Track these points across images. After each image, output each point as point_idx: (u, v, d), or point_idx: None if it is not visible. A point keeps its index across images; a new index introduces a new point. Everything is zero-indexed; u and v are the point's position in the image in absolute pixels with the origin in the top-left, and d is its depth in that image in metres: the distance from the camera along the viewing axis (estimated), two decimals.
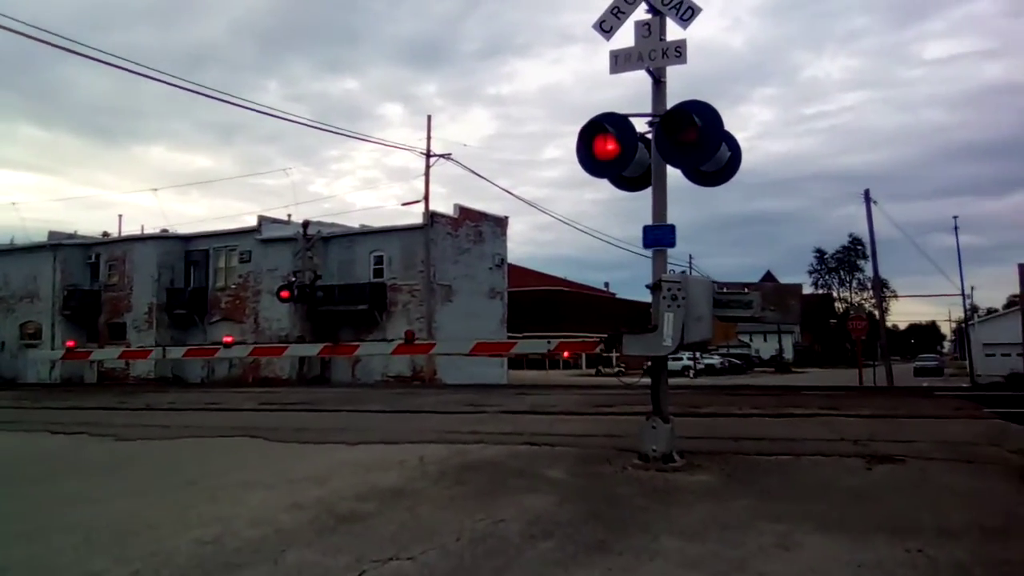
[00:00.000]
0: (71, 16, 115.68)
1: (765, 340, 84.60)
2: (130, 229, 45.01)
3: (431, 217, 34.54)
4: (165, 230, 41.28)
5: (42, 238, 43.56)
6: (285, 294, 32.28)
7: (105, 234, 43.92)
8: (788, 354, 79.71)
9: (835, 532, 4.71)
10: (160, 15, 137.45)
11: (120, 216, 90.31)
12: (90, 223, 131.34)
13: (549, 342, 7.97)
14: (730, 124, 6.80)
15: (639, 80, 7.28)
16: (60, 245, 41.66)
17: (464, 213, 36.87)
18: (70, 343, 12.99)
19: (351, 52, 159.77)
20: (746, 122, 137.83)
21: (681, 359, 47.42)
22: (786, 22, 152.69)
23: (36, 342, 40.96)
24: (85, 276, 41.32)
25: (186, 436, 10.05)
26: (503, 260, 39.13)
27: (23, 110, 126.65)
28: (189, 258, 39.73)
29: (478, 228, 37.53)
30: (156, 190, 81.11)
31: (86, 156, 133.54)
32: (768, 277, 75.17)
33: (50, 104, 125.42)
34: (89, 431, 10.60)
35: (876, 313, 48.92)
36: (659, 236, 6.95)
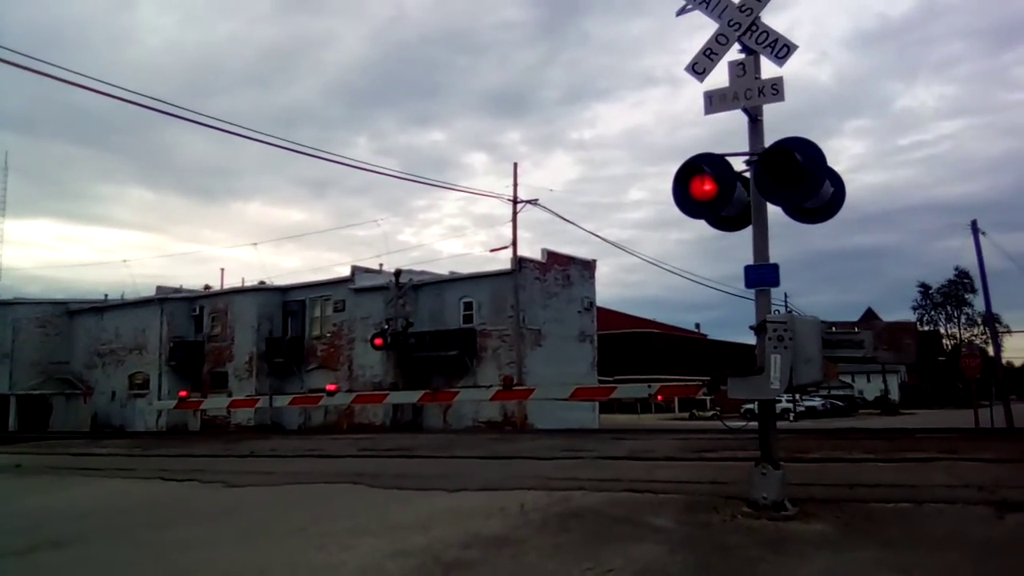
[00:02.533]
0: (177, 84, 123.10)
1: (868, 380, 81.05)
2: (231, 282, 47.08)
3: (519, 262, 34.77)
4: (263, 282, 42.89)
5: (150, 293, 45.99)
6: (379, 342, 32.95)
7: (207, 287, 45.98)
8: (894, 394, 76.06)
9: None
10: (258, 80, 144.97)
11: (222, 270, 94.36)
12: (194, 278, 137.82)
13: (650, 386, 7.80)
14: None
15: (721, 119, 7.19)
16: (167, 299, 43.84)
17: (552, 257, 36.98)
18: (182, 393, 13.52)
19: (436, 105, 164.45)
20: (838, 155, 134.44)
21: (780, 401, 45.82)
22: (875, 53, 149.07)
23: (144, 392, 42.95)
24: (189, 328, 43.23)
25: (291, 482, 10.26)
26: (592, 303, 38.95)
27: (133, 173, 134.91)
28: (286, 308, 41.09)
29: (566, 272, 37.54)
30: (255, 244, 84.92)
31: (189, 214, 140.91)
32: (869, 314, 72.22)
33: (157, 166, 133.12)
34: (199, 478, 10.94)
35: (990, 350, 46.24)
36: (762, 275, 6.77)
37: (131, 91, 16.35)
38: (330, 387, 10.29)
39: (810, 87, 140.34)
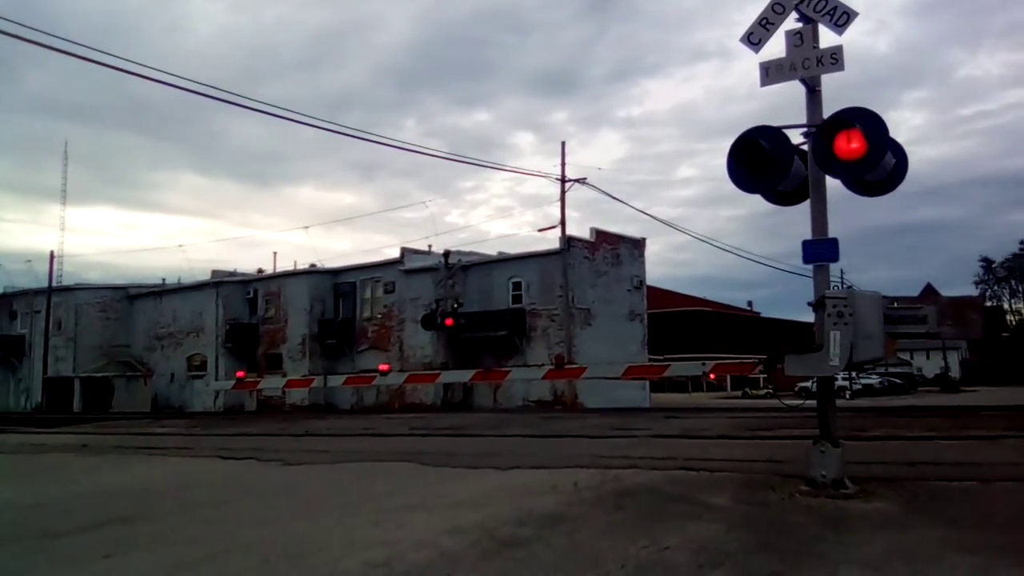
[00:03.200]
0: (229, 70, 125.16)
1: (928, 357, 79.03)
2: (283, 265, 47.82)
3: (568, 242, 34.62)
4: (314, 265, 43.47)
5: (205, 277, 47.01)
6: (428, 322, 33.20)
7: (261, 271, 46.79)
8: (954, 371, 74.07)
9: None
10: (308, 64, 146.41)
11: (275, 253, 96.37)
12: (247, 261, 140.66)
13: (704, 364, 7.70)
14: None
15: (775, 92, 7.01)
16: (222, 283, 44.75)
17: (601, 236, 36.73)
18: (240, 373, 13.83)
19: (483, 85, 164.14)
20: (897, 127, 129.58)
21: (836, 379, 44.89)
22: (935, 21, 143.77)
23: (202, 373, 44.06)
24: (244, 311, 44.10)
25: (345, 460, 10.42)
26: (641, 282, 38.62)
27: (188, 160, 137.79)
28: (338, 290, 41.62)
29: (615, 251, 37.27)
30: (307, 228, 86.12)
31: (242, 199, 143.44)
32: (929, 290, 70.28)
33: (211, 153, 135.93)
34: (257, 456, 11.19)
35: None
36: (820, 251, 6.61)
37: (184, 78, 16.61)
38: (383, 367, 10.43)
39: (867, 57, 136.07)
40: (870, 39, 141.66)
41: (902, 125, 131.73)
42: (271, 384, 25.00)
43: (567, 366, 9.18)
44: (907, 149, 6.92)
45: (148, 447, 14.37)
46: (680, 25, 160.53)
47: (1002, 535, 5.00)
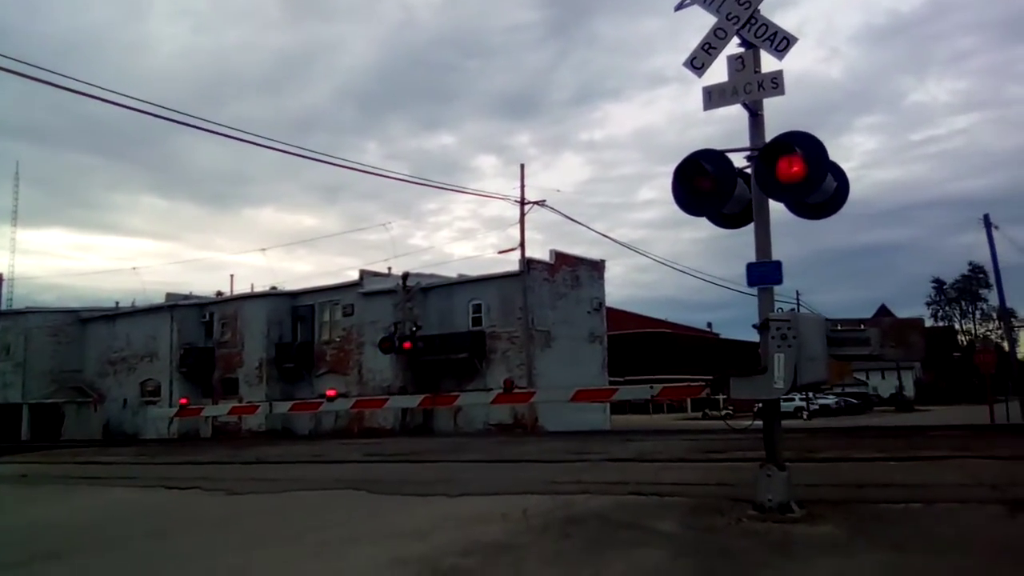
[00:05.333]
0: (190, 91, 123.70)
1: (883, 377, 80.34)
2: (241, 288, 47.14)
3: (527, 264, 34.64)
4: (274, 288, 42.84)
5: (160, 300, 46.05)
6: (386, 345, 32.87)
7: (218, 294, 46.03)
8: (909, 391, 75.41)
9: None
10: (270, 86, 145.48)
11: (231, 276, 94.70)
12: (205, 284, 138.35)
13: (652, 387, 7.67)
14: (834, 155, 6.45)
15: (733, 117, 7.06)
16: (176, 306, 43.88)
17: (560, 258, 36.81)
18: (183, 400, 13.50)
19: (446, 109, 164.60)
20: (850, 152, 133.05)
21: (793, 400, 45.46)
22: (886, 48, 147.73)
23: (155, 399, 43.01)
24: (200, 334, 43.25)
25: (293, 489, 10.18)
26: (601, 304, 38.73)
27: (146, 182, 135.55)
28: (296, 313, 41.06)
29: (575, 273, 37.37)
30: (264, 250, 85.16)
31: (202, 221, 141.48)
32: (883, 311, 71.67)
33: (170, 175, 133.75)
34: (202, 485, 10.87)
35: (1005, 345, 45.79)
36: (764, 273, 6.63)
37: (144, 100, 16.52)
38: (329, 392, 10.24)
39: (821, 84, 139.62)
40: (824, 66, 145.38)
41: (855, 149, 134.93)
42: (218, 411, 24.44)
43: (516, 390, 9.10)
44: (860, 173, 7.10)
45: (91, 476, 13.90)
46: (640, 50, 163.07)
47: (943, 558, 5.01)
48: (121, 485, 12.17)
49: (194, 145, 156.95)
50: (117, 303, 49.23)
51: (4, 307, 47.38)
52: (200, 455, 18.50)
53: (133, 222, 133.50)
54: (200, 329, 43.36)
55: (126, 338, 45.49)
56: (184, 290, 47.63)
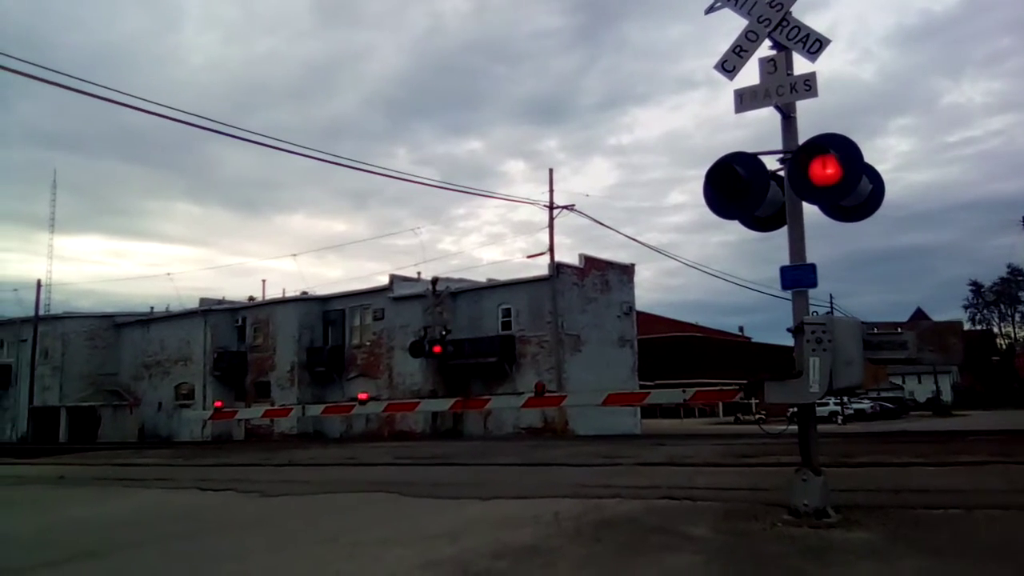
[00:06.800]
0: (221, 100, 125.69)
1: (919, 382, 79.16)
2: (273, 293, 47.60)
3: (556, 268, 34.61)
4: (305, 293, 43.29)
5: (194, 305, 46.72)
6: (416, 349, 33.02)
7: (251, 299, 46.55)
8: (946, 396, 74.10)
9: None
10: (299, 94, 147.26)
11: (264, 281, 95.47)
12: (237, 289, 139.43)
13: (684, 391, 7.61)
14: (867, 157, 6.38)
15: (762, 120, 7.05)
16: (210, 311, 44.51)
17: (589, 263, 36.73)
18: (217, 403, 13.67)
19: (474, 114, 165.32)
20: (884, 154, 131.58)
21: (827, 404, 44.89)
22: (919, 50, 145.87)
23: (189, 402, 43.66)
24: (233, 339, 43.83)
25: (326, 491, 10.25)
26: (631, 308, 38.57)
27: (180, 189, 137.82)
28: (327, 318, 41.43)
29: (604, 277, 37.26)
30: (295, 255, 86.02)
31: (234, 227, 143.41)
32: (919, 314, 70.48)
33: (203, 182, 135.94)
34: (236, 487, 10.99)
35: None
36: (798, 277, 6.56)
37: (176, 109, 16.70)
38: (361, 396, 10.29)
39: (853, 86, 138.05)
40: (855, 68, 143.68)
41: (889, 152, 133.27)
42: (252, 414, 24.73)
43: (547, 394, 9.08)
44: (894, 175, 7.02)
45: (127, 478, 14.13)
46: (668, 55, 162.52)
47: (982, 564, 4.91)
48: (156, 487, 12.34)
49: (225, 153, 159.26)
50: (152, 308, 50.15)
51: (42, 312, 48.15)
52: (234, 457, 18.71)
53: (167, 228, 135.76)
54: (233, 333, 43.92)
55: (160, 342, 46.24)
56: (217, 295, 48.31)
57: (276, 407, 23.91)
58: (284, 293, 45.26)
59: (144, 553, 6.86)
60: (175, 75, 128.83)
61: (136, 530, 8.18)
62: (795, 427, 6.71)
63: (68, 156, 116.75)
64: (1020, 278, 77.50)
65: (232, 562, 6.20)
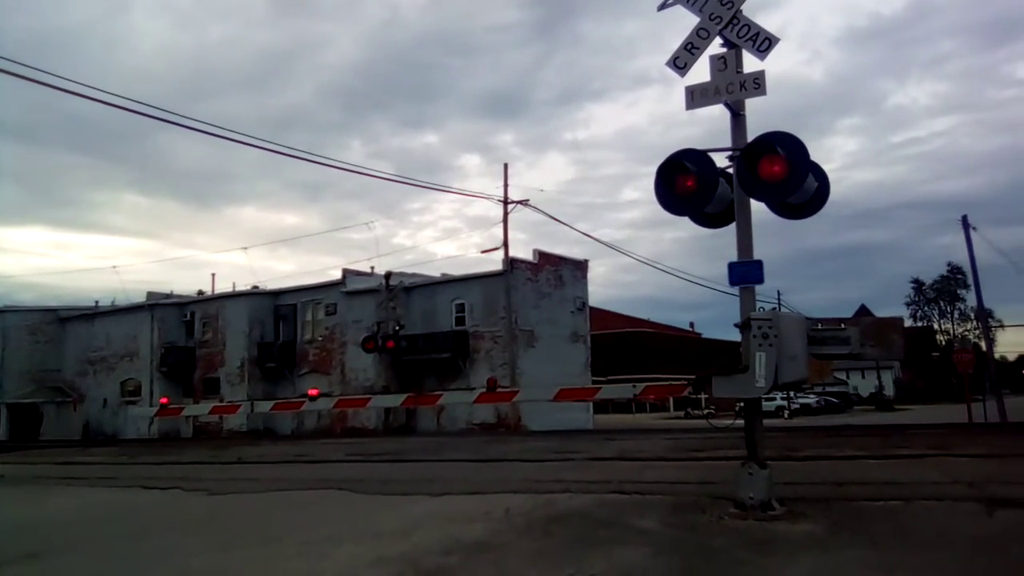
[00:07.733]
0: (171, 88, 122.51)
1: (863, 377, 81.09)
2: (223, 287, 46.77)
3: (511, 263, 34.63)
4: (255, 287, 42.54)
5: (141, 299, 45.61)
6: (369, 345, 32.74)
7: (200, 293, 45.65)
8: (889, 391, 76.08)
9: None
10: (252, 83, 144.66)
11: (213, 275, 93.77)
12: (186, 283, 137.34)
13: (635, 386, 7.67)
14: (815, 156, 6.52)
15: (716, 118, 7.11)
16: (157, 305, 43.47)
17: (543, 258, 36.82)
18: (163, 400, 13.40)
19: (430, 107, 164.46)
20: (831, 153, 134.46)
21: (775, 399, 45.76)
22: (867, 51, 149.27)
23: (136, 399, 42.63)
24: (181, 334, 42.89)
25: (275, 489, 10.13)
26: (584, 303, 38.79)
27: (128, 180, 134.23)
28: (278, 313, 40.81)
29: (558, 272, 37.40)
30: (246, 248, 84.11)
31: (183, 220, 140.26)
32: (863, 311, 72.31)
33: (152, 172, 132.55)
34: (182, 486, 10.80)
35: (982, 344, 46.30)
36: (745, 273, 6.66)
37: (125, 97, 16.24)
38: (312, 391, 10.16)
39: (804, 86, 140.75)
40: (806, 68, 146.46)
41: (836, 151, 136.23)
42: (199, 411, 24.27)
43: (499, 389, 9.08)
44: (841, 174, 7.15)
45: (70, 477, 13.77)
46: (623, 51, 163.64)
47: (920, 555, 5.05)
48: (101, 485, 12.07)
49: (176, 142, 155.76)
50: (97, 302, 48.74)
51: None
52: (181, 455, 18.36)
53: (114, 220, 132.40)
54: (181, 328, 43.01)
55: (106, 337, 45.07)
56: (165, 289, 47.25)
57: (225, 403, 23.53)
58: (234, 287, 44.47)
59: (86, 554, 6.70)
60: (124, 61, 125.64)
61: (78, 530, 7.99)
62: (742, 421, 6.82)
63: (10, 145, 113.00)
64: (959, 276, 79.79)
65: (176, 560, 6.09)
